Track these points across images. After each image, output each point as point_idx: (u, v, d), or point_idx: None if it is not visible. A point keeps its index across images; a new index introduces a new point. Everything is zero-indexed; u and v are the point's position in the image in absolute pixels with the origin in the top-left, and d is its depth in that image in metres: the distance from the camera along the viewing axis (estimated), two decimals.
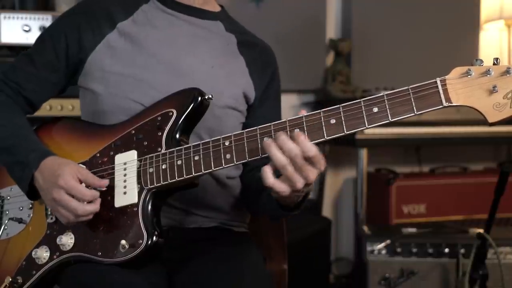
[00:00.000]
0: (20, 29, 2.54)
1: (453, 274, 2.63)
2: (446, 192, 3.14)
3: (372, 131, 2.93)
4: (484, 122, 1.19)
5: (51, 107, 2.44)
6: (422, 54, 3.46)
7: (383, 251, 2.73)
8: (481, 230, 2.39)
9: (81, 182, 1.36)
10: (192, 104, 1.40)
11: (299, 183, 1.22)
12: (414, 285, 2.69)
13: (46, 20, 2.54)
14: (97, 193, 1.36)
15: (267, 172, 1.22)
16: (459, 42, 3.52)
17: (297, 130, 1.23)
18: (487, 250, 2.38)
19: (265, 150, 1.23)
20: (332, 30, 3.51)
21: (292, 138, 1.21)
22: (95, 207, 1.36)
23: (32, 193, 1.42)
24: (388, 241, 2.73)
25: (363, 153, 3.01)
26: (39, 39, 1.58)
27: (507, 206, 2.82)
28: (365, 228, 2.93)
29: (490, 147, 3.68)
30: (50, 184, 1.36)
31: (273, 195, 1.29)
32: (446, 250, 2.70)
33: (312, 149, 1.20)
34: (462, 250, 2.63)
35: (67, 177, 1.34)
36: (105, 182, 1.38)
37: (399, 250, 2.73)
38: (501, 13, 3.51)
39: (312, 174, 1.22)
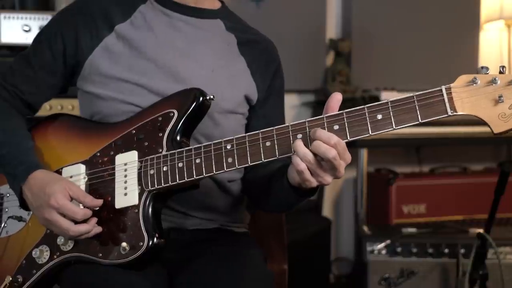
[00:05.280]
0: (20, 29, 2.53)
1: (453, 274, 2.63)
2: (446, 192, 3.14)
3: None
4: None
5: (51, 107, 2.44)
6: (422, 54, 3.46)
7: (383, 251, 2.73)
8: (481, 230, 2.38)
9: (71, 200, 1.35)
10: (193, 105, 1.39)
11: (329, 178, 1.25)
12: (414, 285, 2.69)
13: (46, 20, 2.54)
14: (90, 212, 1.35)
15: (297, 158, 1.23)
16: (459, 42, 3.52)
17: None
18: (487, 250, 2.38)
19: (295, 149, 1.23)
20: (332, 30, 3.50)
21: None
22: (87, 227, 1.34)
23: (24, 203, 1.41)
24: (388, 241, 2.73)
25: (363, 153, 3.01)
26: (35, 40, 1.57)
27: (507, 206, 2.82)
28: (365, 228, 2.93)
29: (490, 147, 3.68)
30: (40, 203, 1.35)
31: (294, 177, 1.28)
32: (446, 250, 2.70)
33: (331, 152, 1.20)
34: (462, 250, 2.63)
35: (58, 196, 1.33)
36: (98, 202, 1.37)
37: (399, 250, 2.73)
38: (501, 13, 3.51)
39: (342, 168, 1.25)
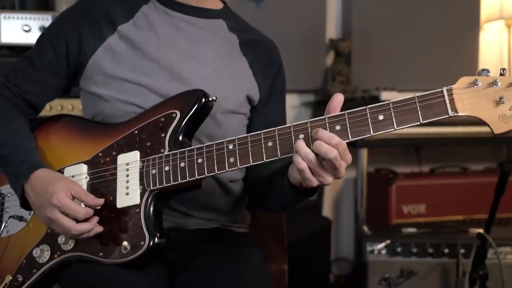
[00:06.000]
0: (20, 29, 2.53)
1: (453, 274, 2.63)
2: (446, 192, 3.14)
3: None
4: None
5: (51, 107, 2.44)
6: (422, 54, 3.46)
7: (383, 251, 2.73)
8: (481, 230, 2.39)
9: (73, 198, 1.35)
10: (196, 106, 1.39)
11: (330, 178, 1.25)
12: (414, 285, 2.69)
13: (46, 20, 2.54)
14: (91, 211, 1.35)
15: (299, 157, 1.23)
16: (459, 42, 3.52)
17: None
18: (487, 250, 2.38)
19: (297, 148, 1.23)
20: (332, 30, 3.51)
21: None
22: (89, 226, 1.34)
23: (25, 202, 1.42)
24: (388, 241, 2.73)
25: (363, 153, 3.01)
26: (38, 41, 1.57)
27: (507, 206, 2.82)
28: (365, 228, 2.93)
29: (490, 147, 3.68)
30: (42, 202, 1.36)
31: (295, 177, 1.28)
32: (446, 250, 2.70)
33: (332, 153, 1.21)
34: (462, 250, 2.64)
35: (61, 195, 1.33)
36: (100, 201, 1.37)
37: (399, 250, 2.73)
38: (501, 13, 3.51)
39: (342, 169, 1.24)
